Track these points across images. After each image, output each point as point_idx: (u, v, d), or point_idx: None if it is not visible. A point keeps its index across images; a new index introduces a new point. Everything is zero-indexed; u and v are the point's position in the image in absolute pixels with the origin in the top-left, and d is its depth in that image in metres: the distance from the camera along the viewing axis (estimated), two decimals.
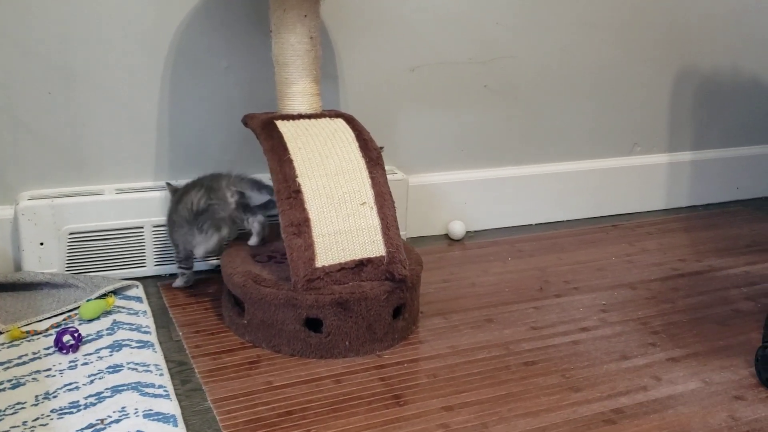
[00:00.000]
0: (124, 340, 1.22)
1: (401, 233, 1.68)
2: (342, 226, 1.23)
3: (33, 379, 1.09)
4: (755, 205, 2.19)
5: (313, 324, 1.21)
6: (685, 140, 2.12)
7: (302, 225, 1.20)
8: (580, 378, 1.19)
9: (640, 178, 2.08)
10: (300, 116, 1.35)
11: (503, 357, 1.26)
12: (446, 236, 1.84)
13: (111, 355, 1.17)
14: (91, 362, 1.15)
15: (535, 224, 1.97)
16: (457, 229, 1.83)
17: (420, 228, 1.83)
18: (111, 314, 1.32)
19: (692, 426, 1.07)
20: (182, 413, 1.04)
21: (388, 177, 1.32)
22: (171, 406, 1.04)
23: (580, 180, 2.00)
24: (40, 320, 1.29)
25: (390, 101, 1.73)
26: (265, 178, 1.43)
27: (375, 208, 1.26)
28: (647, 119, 2.05)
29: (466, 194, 1.87)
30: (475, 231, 1.89)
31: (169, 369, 1.16)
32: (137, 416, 1.01)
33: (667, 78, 2.04)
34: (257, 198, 1.42)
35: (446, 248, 1.78)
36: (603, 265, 1.69)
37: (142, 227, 1.48)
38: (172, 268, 1.51)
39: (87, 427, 0.98)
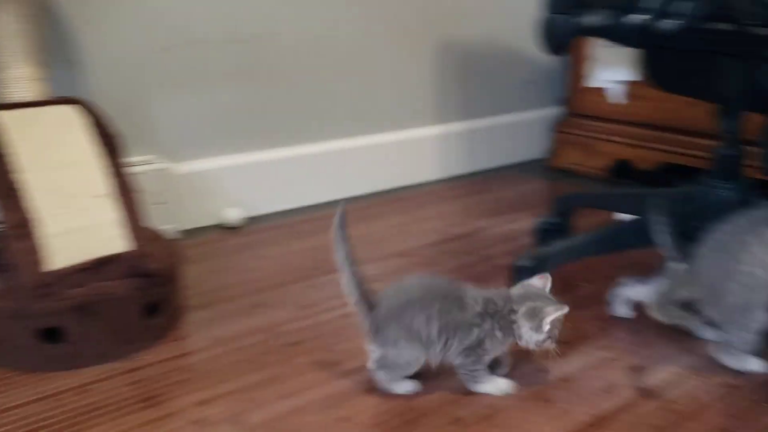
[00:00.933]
0: None
1: (170, 226, 1.59)
2: (76, 223, 1.13)
3: None
4: (523, 168, 2.32)
5: (53, 334, 1.10)
6: (453, 111, 2.19)
7: (25, 226, 1.08)
8: (345, 351, 1.18)
9: (416, 149, 2.12)
10: (21, 104, 1.21)
11: (269, 341, 1.22)
12: (223, 225, 1.78)
13: None
14: None
15: (317, 204, 1.95)
16: (232, 216, 1.76)
17: (194, 219, 1.75)
18: None
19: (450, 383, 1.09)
20: None
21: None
22: None
23: (358, 156, 2.00)
24: None
25: (143, 85, 1.62)
26: None
27: (114, 201, 1.16)
28: (415, 92, 2.10)
29: (241, 179, 1.81)
30: (254, 217, 1.84)
31: None
32: None
33: (430, 51, 2.09)
34: None
35: (221, 237, 1.71)
36: (380, 238, 1.70)
37: None
38: None
39: None
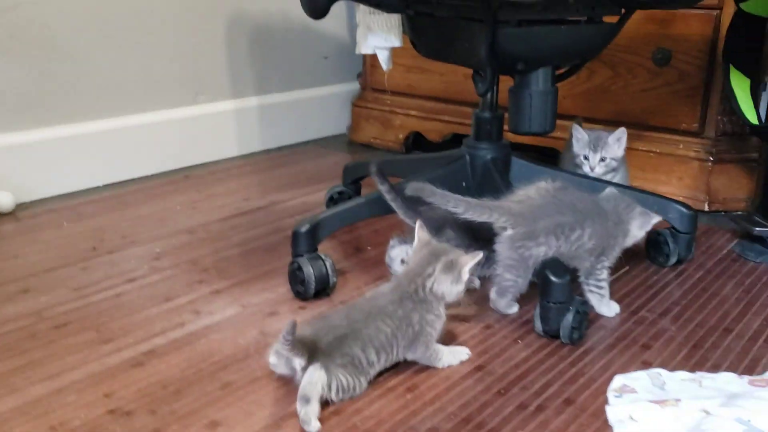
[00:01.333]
0: None
1: None
2: None
3: None
4: (322, 143, 2.35)
5: None
6: (247, 86, 2.17)
7: None
8: (115, 329, 1.14)
9: (209, 126, 2.08)
10: None
11: (32, 326, 1.14)
12: None
13: None
14: None
15: (103, 185, 1.85)
16: (2, 201, 1.63)
17: None
18: None
19: (222, 349, 1.08)
20: None
21: None
22: None
23: (145, 134, 1.92)
24: None
25: None
26: None
27: None
28: (206, 67, 2.05)
29: (11, 161, 1.67)
30: (30, 201, 1.71)
31: None
32: None
33: (221, 24, 2.05)
34: None
35: None
36: (166, 216, 1.65)
37: None
38: None
39: None
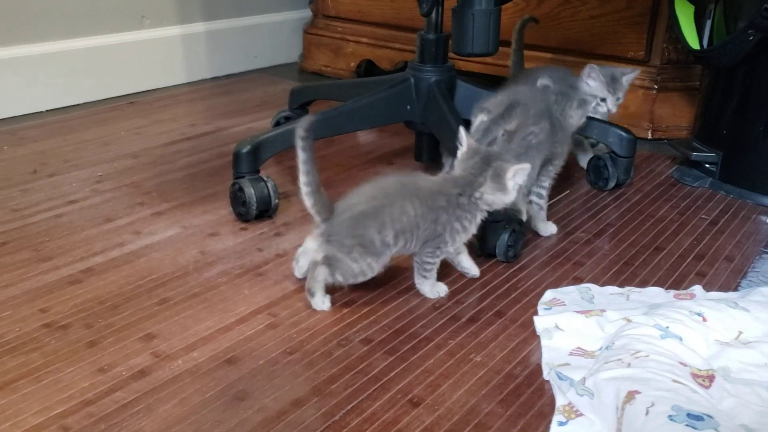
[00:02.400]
0: None
1: None
2: None
3: None
4: (273, 71, 2.31)
5: None
6: (195, 11, 2.11)
7: None
8: (54, 248, 1.13)
9: (156, 52, 2.02)
10: None
11: None
12: None
13: None
14: None
15: (46, 111, 1.81)
16: None
17: None
18: None
19: (161, 267, 1.08)
20: None
21: None
22: None
23: (89, 58, 1.87)
24: None
25: None
26: None
27: None
28: None
29: None
30: None
31: None
32: None
33: None
34: None
35: None
36: (110, 141, 1.62)
37: None
38: None
39: None
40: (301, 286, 1.04)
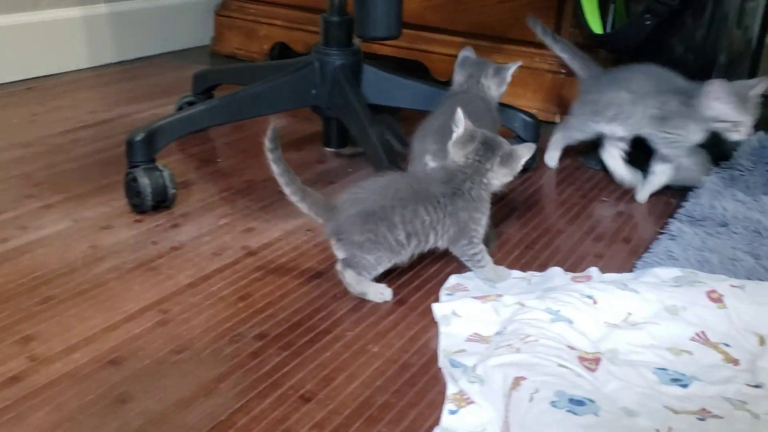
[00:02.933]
0: None
1: None
2: None
3: None
4: (183, 55, 2.23)
5: None
6: None
7: None
8: None
9: (54, 35, 1.92)
10: None
11: None
12: None
13: None
14: None
15: None
16: None
17: None
18: None
19: (46, 264, 1.03)
20: None
21: None
22: None
23: None
24: None
25: None
26: None
27: None
28: None
29: None
30: None
31: None
32: None
33: None
34: None
35: None
36: (2, 128, 1.53)
37: None
38: None
39: None
40: (195, 280, 1.00)
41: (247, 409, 0.77)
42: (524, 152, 0.99)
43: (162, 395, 0.78)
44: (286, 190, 0.96)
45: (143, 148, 1.18)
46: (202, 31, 2.33)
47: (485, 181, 0.99)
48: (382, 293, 0.98)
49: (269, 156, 0.94)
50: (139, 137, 1.17)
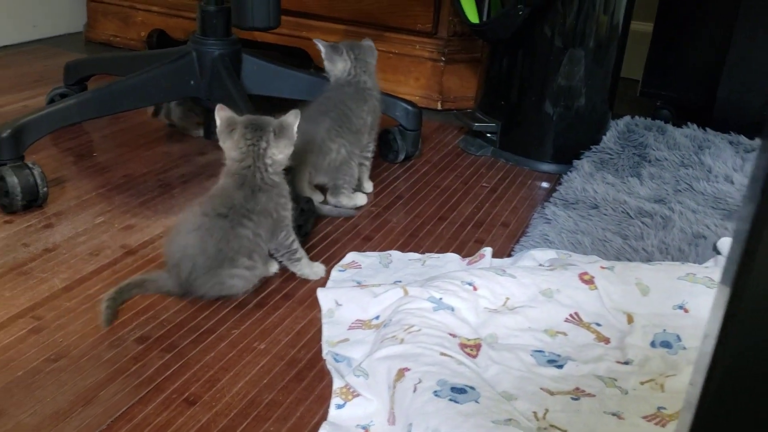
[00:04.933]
0: None
1: None
2: None
3: None
4: (55, 42, 2.12)
5: None
6: None
7: None
8: None
9: None
10: None
11: None
12: None
13: None
14: None
15: None
16: None
17: None
18: None
19: None
20: None
21: None
22: None
23: None
24: None
25: None
26: None
27: None
28: None
29: None
30: None
31: None
32: None
33: None
34: None
35: None
36: None
37: None
38: None
39: None
40: (71, 283, 0.96)
41: (130, 416, 0.75)
42: (293, 119, 0.97)
43: (36, 408, 0.75)
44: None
45: (10, 146, 1.12)
46: (75, 17, 2.22)
47: (269, 161, 0.95)
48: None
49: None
50: (5, 134, 1.11)
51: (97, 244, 1.07)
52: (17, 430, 0.72)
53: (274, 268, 1.01)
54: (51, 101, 1.51)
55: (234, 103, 1.23)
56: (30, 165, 1.13)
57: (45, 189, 1.14)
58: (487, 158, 1.48)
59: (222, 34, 1.30)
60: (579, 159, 1.39)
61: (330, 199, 1.23)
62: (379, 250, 1.11)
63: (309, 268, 1.02)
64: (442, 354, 0.75)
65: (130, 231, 1.11)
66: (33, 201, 1.13)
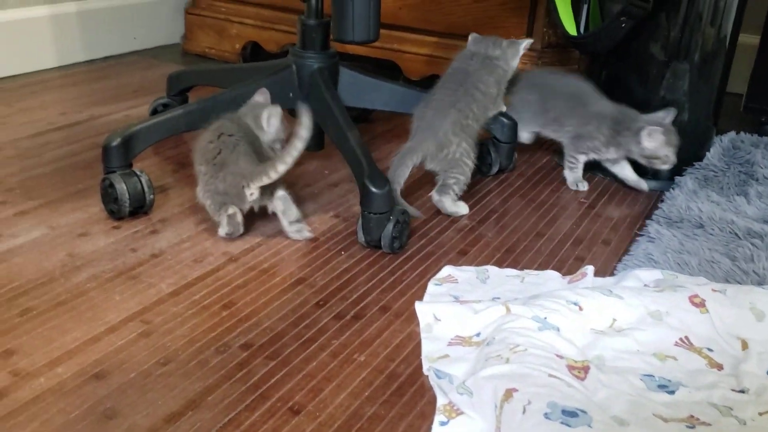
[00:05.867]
0: None
1: None
2: None
3: None
4: (153, 53, 2.20)
5: None
6: None
7: None
8: None
9: (20, 34, 1.88)
10: None
11: None
12: None
13: None
14: None
15: None
16: None
17: None
18: None
19: (23, 274, 1.00)
20: None
21: None
22: None
23: None
24: None
25: None
26: None
27: None
28: None
29: None
30: None
31: None
32: None
33: None
34: None
35: None
36: None
37: None
38: None
39: None
40: (177, 288, 0.99)
41: (237, 422, 0.76)
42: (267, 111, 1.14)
43: (149, 410, 0.77)
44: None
45: (120, 154, 1.16)
46: (173, 29, 2.30)
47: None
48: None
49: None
50: (115, 142, 1.15)
51: (201, 251, 1.09)
52: (133, 430, 0.74)
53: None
54: (154, 111, 1.56)
55: (332, 114, 1.24)
56: (138, 173, 1.17)
57: (151, 196, 1.18)
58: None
59: (321, 47, 1.32)
60: (681, 176, 1.34)
61: (434, 194, 1.23)
62: (475, 265, 1.10)
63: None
64: (551, 375, 0.74)
65: (231, 238, 1.13)
66: (140, 207, 1.17)
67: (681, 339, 0.85)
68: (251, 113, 1.16)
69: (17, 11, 1.87)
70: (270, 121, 1.15)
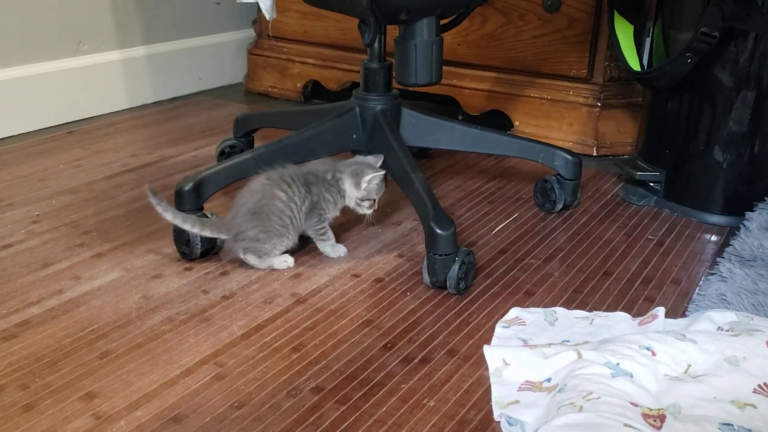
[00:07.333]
0: None
1: None
2: None
3: None
4: (217, 93, 2.27)
5: None
6: (134, 34, 2.06)
7: None
8: None
9: (94, 78, 1.97)
10: None
11: None
12: None
13: None
14: None
15: None
16: None
17: None
18: None
19: (102, 316, 1.04)
20: None
21: None
22: None
23: (24, 88, 1.81)
24: None
25: None
26: None
27: None
28: (89, 14, 1.93)
29: None
30: None
31: None
32: None
33: None
34: None
35: None
36: (47, 175, 1.56)
37: None
38: None
39: None
40: (249, 330, 1.01)
41: None
42: (369, 172, 1.21)
43: None
44: (187, 227, 1.15)
45: (192, 198, 1.20)
46: (236, 69, 2.38)
47: (338, 176, 1.21)
48: (285, 261, 1.18)
49: (158, 210, 1.14)
50: (188, 187, 1.19)
51: (270, 292, 1.12)
52: None
53: (290, 262, 1.20)
54: (222, 153, 1.61)
55: (395, 155, 1.26)
56: (209, 215, 1.20)
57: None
58: (650, 208, 1.43)
59: (383, 89, 1.34)
60: (752, 211, 1.31)
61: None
62: (543, 306, 1.09)
63: (330, 248, 1.22)
64: (626, 425, 0.72)
65: (298, 279, 1.16)
66: (210, 249, 1.21)
67: (760, 385, 0.83)
68: (352, 168, 1.20)
69: (92, 57, 1.96)
70: (369, 183, 1.20)
